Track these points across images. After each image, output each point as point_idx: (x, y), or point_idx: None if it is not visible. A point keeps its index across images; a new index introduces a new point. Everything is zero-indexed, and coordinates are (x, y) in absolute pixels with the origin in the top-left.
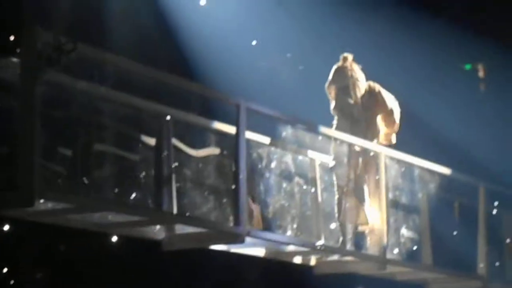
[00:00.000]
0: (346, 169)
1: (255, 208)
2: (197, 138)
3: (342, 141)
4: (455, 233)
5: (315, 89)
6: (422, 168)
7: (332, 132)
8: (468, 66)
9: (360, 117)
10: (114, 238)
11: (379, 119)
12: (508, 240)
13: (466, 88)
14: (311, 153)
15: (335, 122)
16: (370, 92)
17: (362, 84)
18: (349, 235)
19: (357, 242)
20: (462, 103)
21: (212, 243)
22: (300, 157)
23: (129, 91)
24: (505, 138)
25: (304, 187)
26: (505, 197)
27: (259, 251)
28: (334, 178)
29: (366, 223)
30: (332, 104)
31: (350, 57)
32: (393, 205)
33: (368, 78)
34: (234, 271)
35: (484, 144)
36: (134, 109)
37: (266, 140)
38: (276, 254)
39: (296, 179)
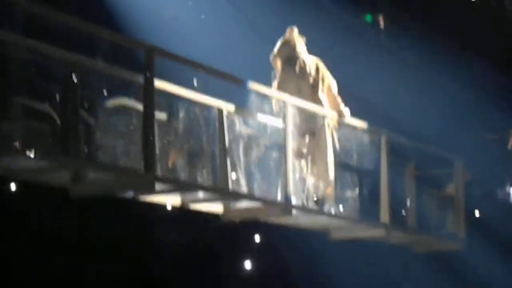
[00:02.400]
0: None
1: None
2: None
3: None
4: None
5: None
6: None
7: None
8: (368, 18)
9: (305, 89)
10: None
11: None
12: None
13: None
14: (219, 103)
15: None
16: (315, 67)
17: (307, 57)
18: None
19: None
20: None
21: (121, 191)
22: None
23: (37, 38)
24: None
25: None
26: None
27: (170, 200)
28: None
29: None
30: (277, 75)
31: (295, 30)
32: None
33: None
34: (143, 220)
35: (384, 92)
36: (42, 55)
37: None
38: (186, 202)
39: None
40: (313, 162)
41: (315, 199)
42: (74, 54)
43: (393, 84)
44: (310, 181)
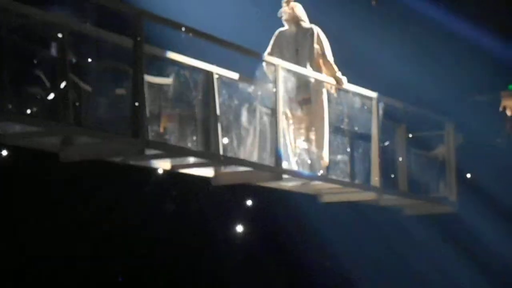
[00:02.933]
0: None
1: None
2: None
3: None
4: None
5: None
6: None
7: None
8: None
9: (301, 57)
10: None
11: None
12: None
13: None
14: (208, 66)
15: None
16: (314, 35)
17: (304, 25)
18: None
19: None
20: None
21: (111, 156)
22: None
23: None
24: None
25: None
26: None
27: (160, 164)
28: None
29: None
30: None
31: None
32: None
33: None
34: (132, 185)
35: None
36: (30, 19)
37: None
38: (176, 167)
39: (195, 93)
40: (309, 127)
41: (308, 162)
42: (64, 17)
43: (384, 47)
44: (303, 145)
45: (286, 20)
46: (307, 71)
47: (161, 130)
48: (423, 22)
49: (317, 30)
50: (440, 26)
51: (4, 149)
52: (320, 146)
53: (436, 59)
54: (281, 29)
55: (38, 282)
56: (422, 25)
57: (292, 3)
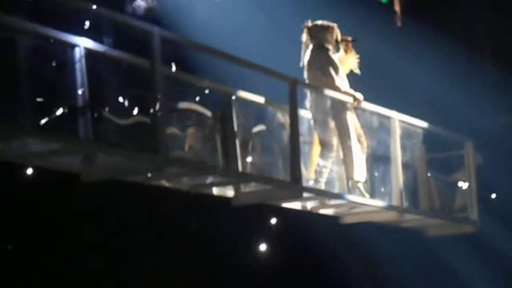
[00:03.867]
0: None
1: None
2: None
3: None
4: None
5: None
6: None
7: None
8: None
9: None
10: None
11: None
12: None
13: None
14: (227, 88)
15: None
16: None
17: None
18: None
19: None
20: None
21: (132, 174)
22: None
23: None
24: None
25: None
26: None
27: (180, 185)
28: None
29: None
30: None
31: (308, 23)
32: None
33: None
34: (151, 204)
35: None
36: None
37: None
38: (197, 186)
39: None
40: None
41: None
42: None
43: (407, 66)
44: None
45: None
46: (327, 90)
47: (186, 149)
48: (448, 38)
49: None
50: (468, 44)
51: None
52: (348, 164)
53: (461, 78)
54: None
55: None
56: (448, 42)
57: (310, 26)
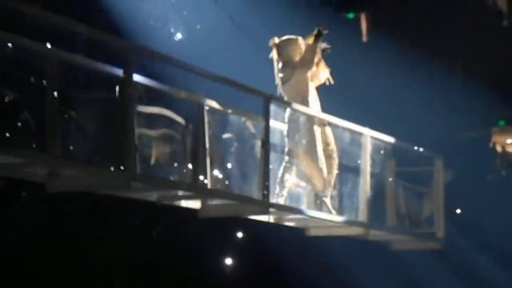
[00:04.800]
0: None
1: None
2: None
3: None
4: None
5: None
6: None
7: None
8: (351, 16)
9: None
10: None
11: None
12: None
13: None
14: (200, 98)
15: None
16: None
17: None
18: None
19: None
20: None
21: (98, 188)
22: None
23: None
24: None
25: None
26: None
27: (147, 196)
28: (286, 141)
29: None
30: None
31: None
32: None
33: None
34: (117, 216)
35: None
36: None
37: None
38: (164, 198)
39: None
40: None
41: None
42: (52, 47)
43: (375, 82)
44: (293, 180)
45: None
46: (298, 106)
47: (153, 159)
48: (413, 54)
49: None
50: (433, 61)
51: None
52: (316, 180)
53: (428, 95)
54: None
55: None
56: (413, 58)
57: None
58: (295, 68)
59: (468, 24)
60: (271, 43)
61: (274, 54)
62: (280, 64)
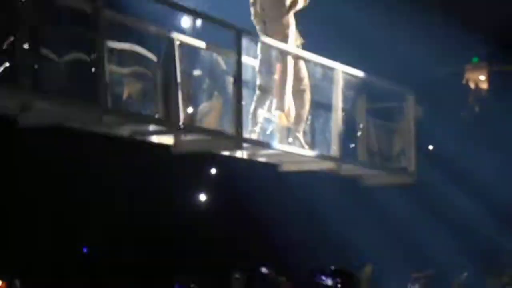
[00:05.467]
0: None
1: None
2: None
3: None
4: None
5: None
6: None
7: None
8: None
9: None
10: None
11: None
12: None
13: None
14: (172, 33)
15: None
16: None
17: None
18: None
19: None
20: None
21: (69, 122)
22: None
23: None
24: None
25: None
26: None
27: (119, 131)
28: (257, 76)
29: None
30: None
31: None
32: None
33: None
34: (90, 150)
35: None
36: None
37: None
38: (137, 133)
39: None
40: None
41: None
42: None
43: (351, 16)
44: (265, 114)
45: None
46: (273, 41)
47: (125, 96)
48: None
49: None
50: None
51: None
52: (281, 107)
53: (404, 31)
54: None
55: None
56: None
57: None
58: (288, 8)
59: None
60: None
61: None
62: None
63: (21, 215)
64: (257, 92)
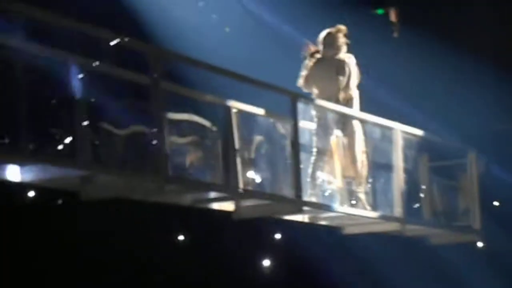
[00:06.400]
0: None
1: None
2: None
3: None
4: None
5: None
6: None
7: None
8: (380, 11)
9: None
10: None
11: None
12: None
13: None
14: (228, 102)
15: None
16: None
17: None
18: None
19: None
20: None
21: (131, 193)
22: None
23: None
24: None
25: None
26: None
27: (181, 200)
28: (314, 139)
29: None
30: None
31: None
32: None
33: None
34: (152, 220)
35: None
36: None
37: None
38: (198, 201)
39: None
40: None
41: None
42: (81, 57)
43: (407, 75)
44: (325, 177)
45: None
46: (324, 103)
47: (187, 164)
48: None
49: (350, 59)
50: (466, 56)
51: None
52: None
53: (460, 89)
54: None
55: None
56: (447, 55)
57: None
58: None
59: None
60: (306, 52)
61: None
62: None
63: None
64: (314, 154)
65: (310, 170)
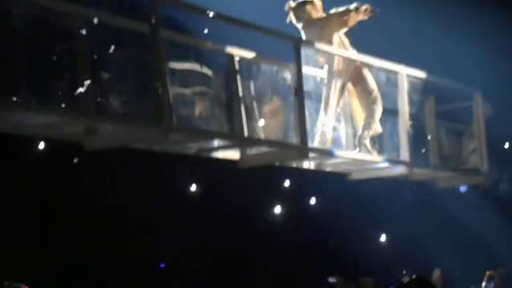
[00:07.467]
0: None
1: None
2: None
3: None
4: None
5: None
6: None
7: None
8: None
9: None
10: None
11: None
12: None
13: None
14: (230, 49)
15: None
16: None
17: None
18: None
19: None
20: None
21: (135, 143)
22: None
23: None
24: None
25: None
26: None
27: (185, 149)
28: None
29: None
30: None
31: None
32: None
33: None
34: (155, 167)
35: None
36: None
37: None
38: (203, 150)
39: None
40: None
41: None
42: (80, 7)
43: (412, 19)
44: (331, 122)
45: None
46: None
47: (196, 114)
48: None
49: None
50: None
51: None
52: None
53: (467, 28)
54: None
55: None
56: None
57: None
58: (321, 28)
59: None
60: (286, 7)
61: (292, 17)
62: (300, 25)
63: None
64: (323, 102)
65: (319, 118)
